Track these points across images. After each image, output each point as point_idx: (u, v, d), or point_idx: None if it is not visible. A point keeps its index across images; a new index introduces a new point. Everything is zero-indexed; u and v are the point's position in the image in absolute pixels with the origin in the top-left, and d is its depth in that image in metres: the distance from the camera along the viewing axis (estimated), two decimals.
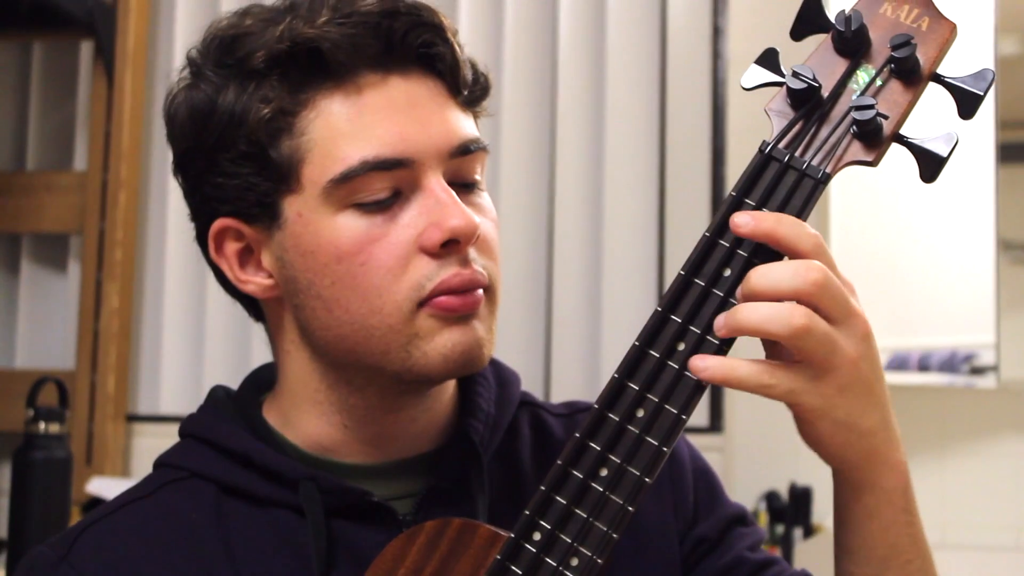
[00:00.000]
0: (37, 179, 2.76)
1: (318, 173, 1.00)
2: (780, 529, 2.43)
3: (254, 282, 1.07)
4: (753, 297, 0.85)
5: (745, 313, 0.85)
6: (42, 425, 1.94)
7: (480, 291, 1.02)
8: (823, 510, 2.54)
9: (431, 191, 1.01)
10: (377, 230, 1.00)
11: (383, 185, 1.00)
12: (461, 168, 1.04)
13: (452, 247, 1.00)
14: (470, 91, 1.07)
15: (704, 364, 0.86)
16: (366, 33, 1.00)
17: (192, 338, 2.71)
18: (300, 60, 1.00)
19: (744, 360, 0.86)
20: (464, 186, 1.04)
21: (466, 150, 1.03)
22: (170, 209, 2.72)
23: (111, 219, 2.65)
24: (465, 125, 1.05)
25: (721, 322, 0.87)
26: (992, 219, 2.61)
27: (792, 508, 2.48)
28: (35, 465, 1.92)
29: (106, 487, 2.41)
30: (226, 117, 1.02)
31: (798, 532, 2.44)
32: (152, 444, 2.69)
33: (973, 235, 2.66)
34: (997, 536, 2.60)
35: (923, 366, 2.67)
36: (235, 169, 1.03)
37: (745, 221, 0.86)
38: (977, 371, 2.63)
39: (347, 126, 1.00)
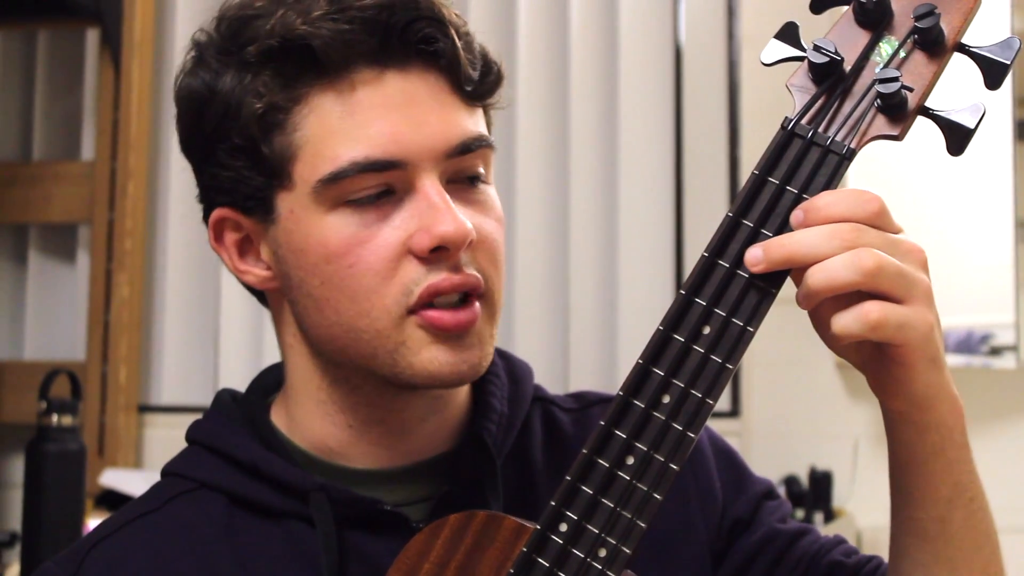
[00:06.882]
0: (44, 169, 2.75)
1: (308, 172, 0.97)
2: (800, 514, 2.41)
3: (252, 273, 1.05)
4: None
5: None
6: (55, 417, 1.94)
7: (476, 304, 0.99)
8: (843, 494, 2.52)
9: (424, 194, 0.97)
10: (366, 231, 0.97)
11: (375, 183, 0.97)
12: (462, 165, 1.00)
13: (442, 253, 0.97)
14: (477, 85, 1.01)
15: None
16: (361, 29, 0.96)
17: (204, 327, 2.71)
18: (292, 56, 0.96)
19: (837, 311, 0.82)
20: (468, 180, 1.01)
21: (466, 149, 0.99)
22: (179, 198, 2.70)
23: (120, 209, 2.64)
24: (467, 122, 1.00)
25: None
26: (1010, 198, 2.59)
27: (812, 493, 2.47)
28: (48, 457, 1.92)
29: (119, 479, 2.40)
30: (222, 108, 0.99)
31: (818, 516, 2.42)
32: (165, 435, 2.69)
33: (990, 214, 2.63)
34: (1017, 518, 2.58)
35: None
36: (230, 161, 1.00)
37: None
38: (995, 351, 2.60)
39: (339, 124, 0.96)
